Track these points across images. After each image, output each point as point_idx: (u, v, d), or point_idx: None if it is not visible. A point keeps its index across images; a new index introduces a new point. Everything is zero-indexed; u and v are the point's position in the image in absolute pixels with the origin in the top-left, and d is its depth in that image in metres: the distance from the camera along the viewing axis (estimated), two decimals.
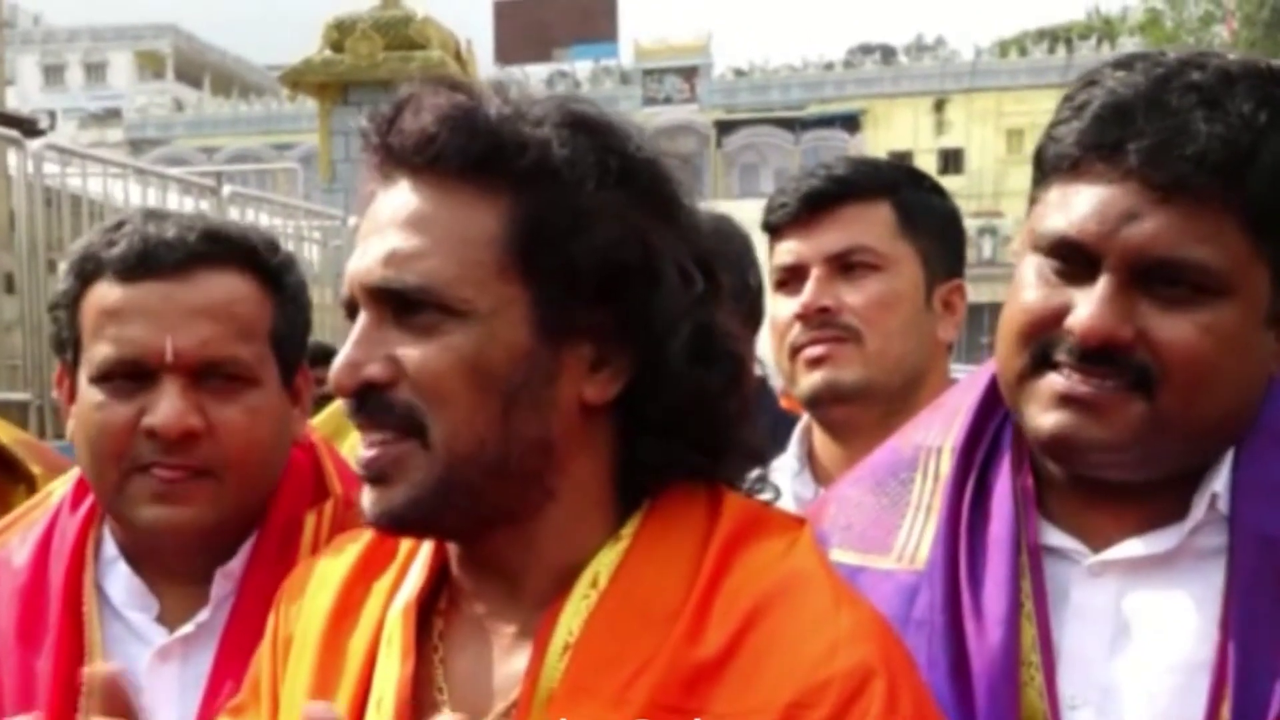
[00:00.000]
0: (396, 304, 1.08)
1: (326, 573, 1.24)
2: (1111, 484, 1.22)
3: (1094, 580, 1.23)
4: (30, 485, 1.91)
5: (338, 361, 1.09)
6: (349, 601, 1.20)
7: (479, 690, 1.12)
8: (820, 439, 1.99)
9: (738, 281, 2.07)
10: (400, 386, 1.07)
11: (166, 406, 1.43)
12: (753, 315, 2.14)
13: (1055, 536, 1.25)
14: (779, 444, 2.02)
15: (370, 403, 1.09)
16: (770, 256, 1.97)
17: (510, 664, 1.11)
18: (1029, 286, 1.22)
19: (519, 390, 1.08)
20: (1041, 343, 1.20)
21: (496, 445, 1.08)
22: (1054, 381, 1.19)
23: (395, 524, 1.12)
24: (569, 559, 1.11)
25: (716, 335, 1.14)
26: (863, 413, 1.87)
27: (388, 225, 1.09)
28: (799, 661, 1.03)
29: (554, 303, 1.08)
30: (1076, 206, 1.17)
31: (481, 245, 1.07)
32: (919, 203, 1.95)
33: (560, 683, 1.06)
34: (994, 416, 1.31)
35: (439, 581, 1.18)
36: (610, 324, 1.10)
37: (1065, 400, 1.18)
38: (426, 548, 1.19)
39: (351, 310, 1.11)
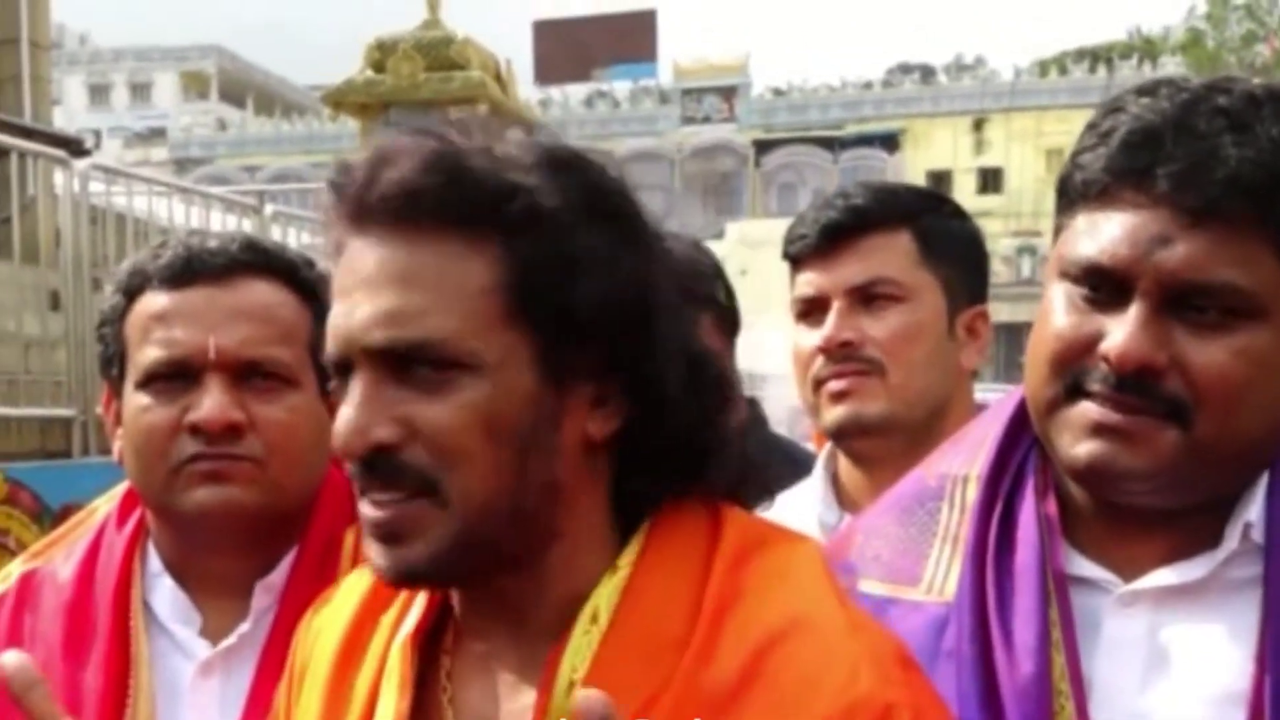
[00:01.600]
0: (399, 363, 1.05)
1: (339, 607, 1.24)
2: (1141, 512, 1.21)
3: (1125, 610, 1.22)
4: None
5: (342, 426, 1.07)
6: (357, 637, 1.20)
7: None
8: (845, 465, 1.98)
9: (713, 296, 2.14)
10: (412, 447, 1.05)
11: (210, 402, 1.47)
12: (731, 327, 2.21)
13: (1084, 566, 1.24)
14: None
15: (380, 466, 1.06)
16: (791, 287, 1.96)
17: (518, 700, 1.11)
18: (1059, 314, 1.21)
19: (530, 437, 1.07)
20: (1073, 371, 1.19)
21: (511, 494, 1.06)
22: (1087, 410, 1.18)
23: (412, 580, 1.11)
24: (572, 590, 1.10)
25: (705, 360, 1.14)
26: (887, 444, 1.86)
27: (377, 282, 1.06)
28: (823, 687, 1.02)
29: (555, 346, 1.07)
30: (1106, 232, 1.17)
31: (479, 296, 1.05)
32: (940, 229, 1.93)
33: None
34: (1019, 445, 1.30)
35: (444, 617, 1.18)
36: (609, 361, 1.09)
37: (1099, 429, 1.17)
38: None
39: (341, 369, 1.09)
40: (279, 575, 1.55)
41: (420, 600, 1.18)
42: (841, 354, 1.87)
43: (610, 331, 1.08)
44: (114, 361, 1.56)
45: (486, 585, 1.12)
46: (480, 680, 1.14)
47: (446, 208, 1.05)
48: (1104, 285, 1.18)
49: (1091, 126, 1.21)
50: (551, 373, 1.07)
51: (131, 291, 1.54)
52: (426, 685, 1.14)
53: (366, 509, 1.09)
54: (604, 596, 1.10)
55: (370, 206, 1.07)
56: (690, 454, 1.13)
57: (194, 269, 1.52)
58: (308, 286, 1.57)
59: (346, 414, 1.07)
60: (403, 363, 1.05)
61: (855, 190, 1.95)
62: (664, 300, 1.11)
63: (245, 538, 1.53)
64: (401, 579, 1.10)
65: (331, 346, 1.09)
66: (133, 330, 1.53)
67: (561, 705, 1.05)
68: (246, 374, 1.50)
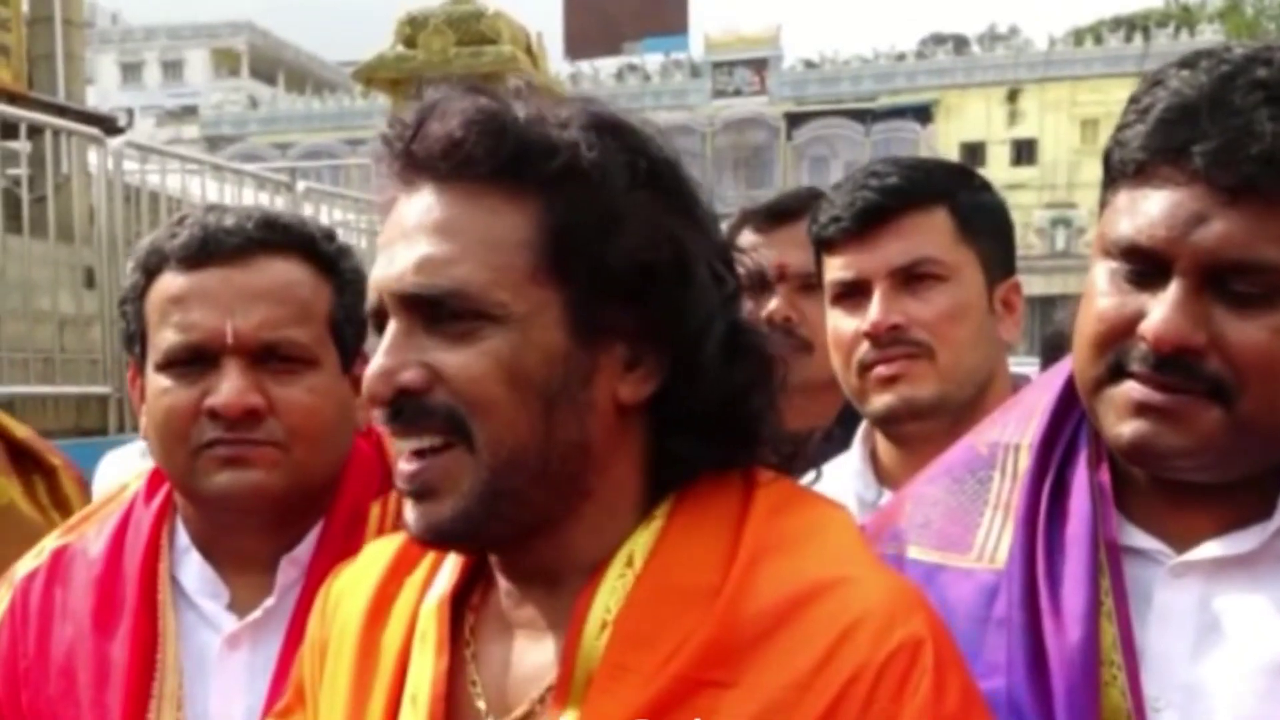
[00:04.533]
0: (429, 311, 1.07)
1: (361, 575, 1.25)
2: (1193, 485, 1.20)
3: (1176, 581, 1.21)
4: (51, 476, 1.96)
5: (371, 371, 1.08)
6: (382, 600, 1.21)
7: (513, 679, 1.13)
8: (883, 443, 1.95)
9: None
10: (437, 391, 1.06)
11: (227, 386, 1.47)
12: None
13: (1137, 537, 1.24)
14: (847, 429, 2.01)
15: (408, 409, 1.07)
16: (823, 270, 1.92)
17: (543, 651, 1.12)
18: (1101, 294, 1.20)
19: (558, 393, 1.07)
20: (1116, 351, 1.18)
21: (538, 449, 1.07)
22: (1130, 390, 1.17)
23: (441, 538, 1.12)
24: (601, 550, 1.12)
25: (744, 331, 1.15)
26: (935, 425, 1.82)
27: (416, 232, 1.08)
28: (861, 636, 1.04)
29: (587, 304, 1.08)
30: (1144, 211, 1.16)
31: (513, 249, 1.07)
32: (972, 204, 1.90)
33: (601, 661, 1.06)
34: (1072, 415, 1.29)
35: (472, 577, 1.19)
36: (643, 324, 1.10)
37: (1141, 409, 1.17)
38: None
39: (379, 320, 1.10)
40: (304, 549, 1.55)
41: (451, 563, 1.19)
42: (890, 338, 1.83)
43: (645, 293, 1.09)
44: (136, 340, 1.56)
45: (517, 547, 1.13)
46: (505, 635, 1.15)
47: (488, 161, 1.07)
48: (1144, 264, 1.17)
49: (1133, 101, 1.20)
50: (582, 330, 1.08)
51: (150, 270, 1.54)
52: (453, 642, 1.16)
53: (401, 464, 1.10)
54: (639, 544, 1.11)
55: (416, 160, 1.09)
56: (727, 424, 1.13)
57: (209, 250, 1.50)
58: (327, 260, 1.56)
59: (375, 360, 1.09)
60: (433, 311, 1.07)
61: (885, 168, 1.91)
62: (702, 267, 1.11)
63: (269, 518, 1.53)
64: (430, 537, 1.11)
65: (370, 296, 1.11)
66: (152, 311, 1.52)
67: (593, 647, 1.07)
68: (265, 356, 1.49)
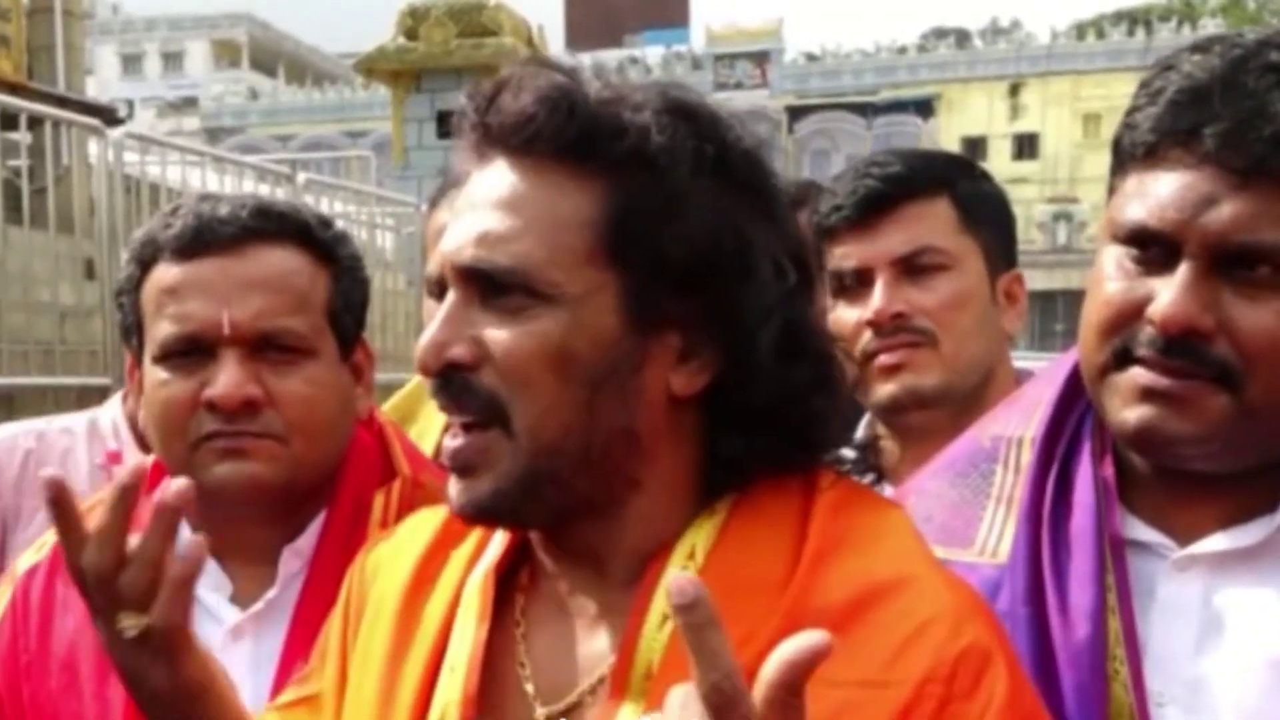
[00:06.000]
0: (485, 285, 1.07)
1: (405, 544, 1.25)
2: (1197, 476, 1.19)
3: (1180, 575, 1.21)
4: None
5: (423, 340, 1.08)
6: (427, 570, 1.21)
7: (563, 666, 1.12)
8: (885, 437, 1.94)
9: None
10: (483, 370, 1.06)
11: (225, 378, 1.46)
12: None
13: (1140, 530, 1.23)
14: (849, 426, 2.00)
15: (454, 385, 1.08)
16: (823, 260, 1.91)
17: (595, 641, 1.11)
18: (1109, 278, 1.19)
19: (605, 378, 1.06)
20: (1123, 336, 1.17)
21: (581, 434, 1.06)
22: (1136, 375, 1.16)
23: (480, 515, 1.11)
24: (652, 543, 1.10)
25: (806, 331, 1.12)
26: (939, 416, 1.82)
27: (482, 205, 1.08)
28: (930, 637, 1.02)
29: (644, 290, 1.06)
30: (1154, 194, 1.15)
31: (574, 229, 1.06)
32: (975, 194, 1.90)
33: (664, 654, 1.05)
34: (1075, 408, 1.29)
35: (521, 555, 1.18)
36: (699, 314, 1.08)
37: (1148, 394, 1.15)
38: None
39: (441, 289, 1.11)
40: (307, 540, 1.54)
41: (499, 537, 1.19)
42: (893, 326, 1.83)
43: (703, 283, 1.07)
44: (132, 331, 1.55)
45: (562, 529, 1.12)
46: (555, 621, 1.14)
47: (556, 139, 1.06)
48: (1153, 247, 1.16)
49: (1144, 85, 1.19)
50: (637, 317, 1.07)
51: (145, 262, 1.53)
52: (500, 620, 1.15)
53: (446, 439, 1.11)
54: (700, 537, 1.10)
55: (491, 133, 1.10)
56: (784, 424, 1.11)
57: (204, 239, 1.49)
58: (324, 247, 1.55)
59: (428, 331, 1.09)
60: (490, 285, 1.07)
61: (888, 158, 1.91)
62: (765, 260, 1.09)
63: (270, 509, 1.52)
64: (469, 513, 1.11)
65: (431, 265, 1.11)
66: (147, 302, 1.51)
67: (654, 639, 1.05)
68: (262, 346, 1.48)
